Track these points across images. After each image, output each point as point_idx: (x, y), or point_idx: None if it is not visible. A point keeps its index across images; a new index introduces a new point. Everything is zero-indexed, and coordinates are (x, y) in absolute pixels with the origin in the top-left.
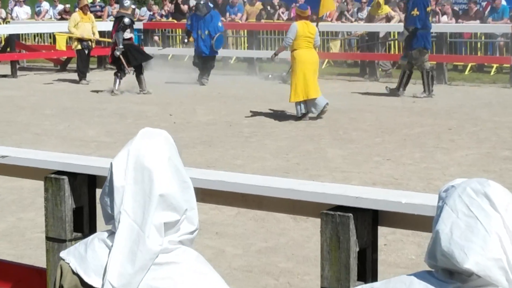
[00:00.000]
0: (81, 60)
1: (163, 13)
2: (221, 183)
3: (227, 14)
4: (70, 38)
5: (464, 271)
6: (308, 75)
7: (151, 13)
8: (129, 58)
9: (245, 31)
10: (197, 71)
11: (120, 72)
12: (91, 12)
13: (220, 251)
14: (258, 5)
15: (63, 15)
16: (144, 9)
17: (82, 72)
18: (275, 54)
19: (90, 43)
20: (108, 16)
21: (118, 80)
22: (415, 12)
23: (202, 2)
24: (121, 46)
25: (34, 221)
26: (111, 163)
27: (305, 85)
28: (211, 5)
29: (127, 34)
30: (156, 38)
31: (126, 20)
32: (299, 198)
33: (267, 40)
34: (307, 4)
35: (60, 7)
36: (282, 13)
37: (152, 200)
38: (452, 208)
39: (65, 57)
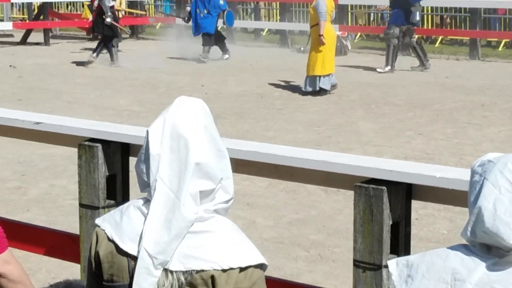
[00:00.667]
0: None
1: None
2: (254, 154)
3: None
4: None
5: (504, 247)
6: (332, 50)
7: None
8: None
9: (277, 3)
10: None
11: (113, 40)
12: None
13: (251, 222)
14: None
15: None
16: None
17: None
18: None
19: (117, 13)
20: None
21: (111, 50)
22: None
23: None
24: (109, 13)
25: (66, 188)
26: (147, 131)
27: (331, 59)
28: None
29: (111, 2)
30: (188, 8)
31: None
32: (332, 170)
33: (299, 13)
34: None
35: None
36: None
37: (188, 168)
38: (493, 184)
39: None
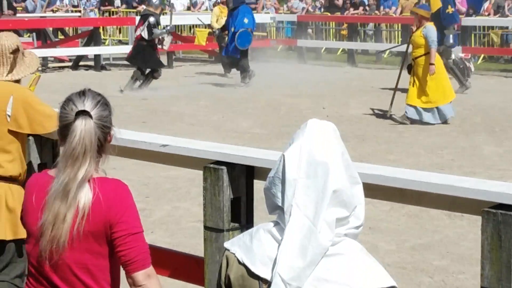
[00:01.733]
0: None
1: (317, 5)
2: (380, 177)
3: (381, 7)
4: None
5: None
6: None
7: (305, 5)
8: (140, 59)
9: (399, 24)
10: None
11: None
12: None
13: (373, 246)
14: None
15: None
16: (297, 1)
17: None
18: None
19: (224, 34)
20: (263, 8)
21: (144, 80)
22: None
23: None
24: (166, 39)
25: (189, 210)
26: (283, 155)
27: (449, 85)
28: None
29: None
30: (309, 31)
31: (152, 19)
32: (459, 195)
33: None
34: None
35: None
36: None
37: (325, 195)
38: None
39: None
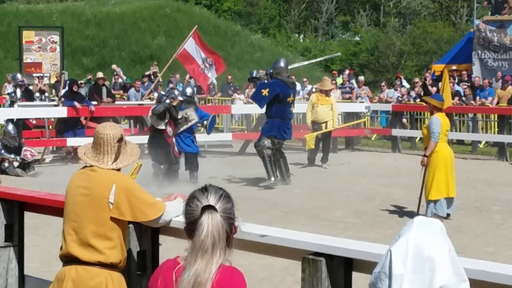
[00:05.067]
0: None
1: (412, 95)
2: (482, 273)
3: (477, 97)
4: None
5: None
6: (451, 171)
7: (400, 94)
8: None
9: (495, 115)
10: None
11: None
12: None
13: None
14: (510, 89)
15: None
16: (392, 90)
17: (309, 159)
18: (426, 156)
19: (325, 126)
20: (357, 97)
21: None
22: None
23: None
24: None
25: None
26: (390, 250)
27: (447, 182)
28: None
29: (162, 124)
30: (404, 120)
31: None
32: None
33: None
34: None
35: (309, 87)
36: None
37: None
38: None
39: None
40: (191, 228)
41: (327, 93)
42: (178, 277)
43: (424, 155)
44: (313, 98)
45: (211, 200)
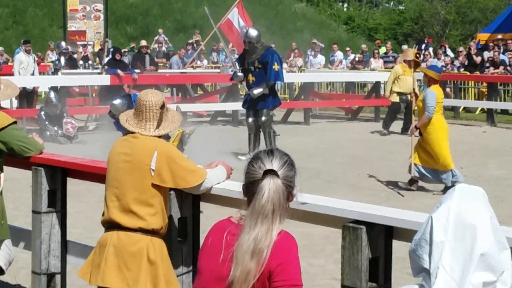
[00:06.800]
0: (391, 111)
1: (456, 64)
2: None
3: None
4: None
5: None
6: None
7: (444, 64)
8: None
9: None
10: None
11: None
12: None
13: None
14: None
15: (355, 65)
16: (435, 60)
17: (386, 124)
18: (416, 128)
19: (409, 97)
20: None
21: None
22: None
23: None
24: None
25: (324, 268)
26: (431, 217)
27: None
28: None
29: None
30: (448, 90)
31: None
32: None
33: None
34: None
35: (351, 56)
36: None
37: (472, 258)
38: None
39: (356, 106)
40: (249, 188)
41: (409, 63)
42: (232, 239)
43: (415, 126)
44: (399, 69)
45: (275, 165)
